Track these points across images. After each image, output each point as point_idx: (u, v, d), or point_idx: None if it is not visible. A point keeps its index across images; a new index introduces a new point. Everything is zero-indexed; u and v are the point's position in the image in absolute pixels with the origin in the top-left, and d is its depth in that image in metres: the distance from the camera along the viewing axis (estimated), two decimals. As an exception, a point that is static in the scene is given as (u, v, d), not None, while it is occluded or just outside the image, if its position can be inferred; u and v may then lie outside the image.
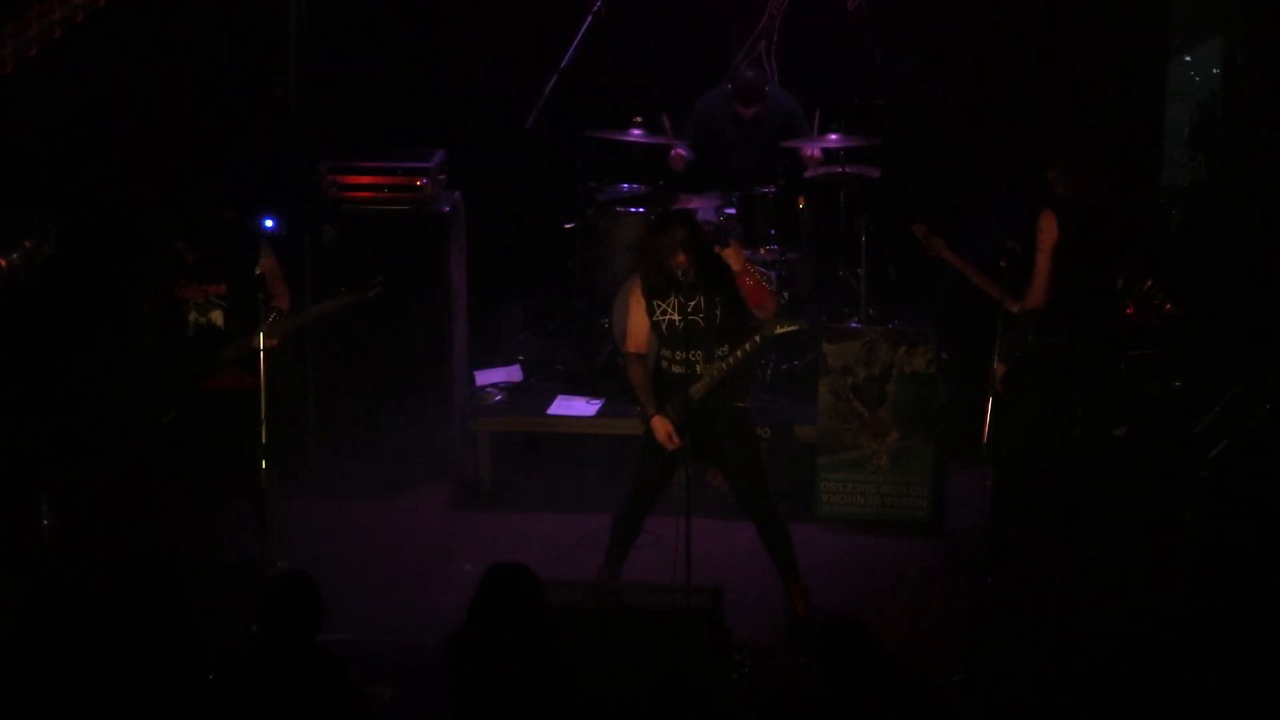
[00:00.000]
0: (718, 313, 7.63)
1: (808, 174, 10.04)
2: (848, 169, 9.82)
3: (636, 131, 9.91)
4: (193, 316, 8.17)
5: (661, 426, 7.63)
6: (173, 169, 9.33)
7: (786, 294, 9.65)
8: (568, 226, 10.13)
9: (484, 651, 5.69)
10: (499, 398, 9.71)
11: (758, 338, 7.57)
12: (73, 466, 8.89)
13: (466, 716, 5.71)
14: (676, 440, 7.61)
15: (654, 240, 7.70)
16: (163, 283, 8.14)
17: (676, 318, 7.62)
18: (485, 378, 9.84)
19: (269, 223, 8.61)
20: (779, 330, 7.59)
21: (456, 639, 5.77)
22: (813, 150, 10.06)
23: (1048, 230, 7.90)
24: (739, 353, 7.59)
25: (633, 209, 9.86)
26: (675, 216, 7.71)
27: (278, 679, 5.67)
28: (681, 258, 7.50)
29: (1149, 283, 8.83)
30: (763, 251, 9.62)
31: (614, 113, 10.04)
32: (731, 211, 9.74)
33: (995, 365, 8.11)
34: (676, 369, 7.68)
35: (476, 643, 5.72)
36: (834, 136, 9.82)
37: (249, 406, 7.85)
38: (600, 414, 9.51)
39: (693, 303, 7.62)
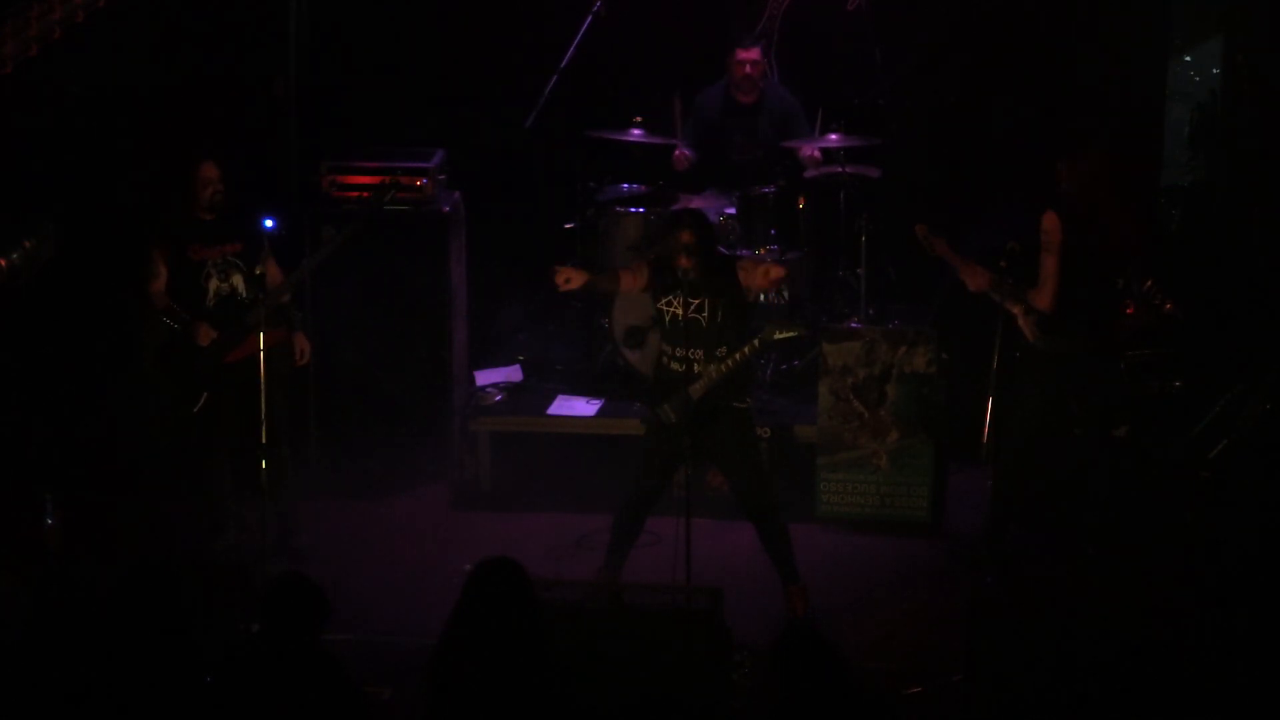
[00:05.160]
0: (719, 314, 7.63)
1: (807, 174, 10.04)
2: (848, 169, 9.81)
3: (636, 131, 9.91)
4: (214, 284, 8.16)
5: (563, 273, 7.72)
6: (172, 169, 9.34)
7: (787, 294, 9.65)
8: (568, 226, 10.13)
9: (472, 647, 5.68)
10: (499, 398, 9.70)
11: (756, 341, 7.58)
12: (78, 465, 8.90)
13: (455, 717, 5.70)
14: (575, 281, 7.70)
15: (664, 237, 7.72)
16: (177, 246, 8.13)
17: (679, 313, 7.63)
18: (485, 378, 9.83)
19: (269, 223, 8.61)
20: (778, 335, 7.59)
21: (445, 636, 5.77)
22: (811, 151, 10.06)
23: (1052, 231, 7.89)
24: (737, 355, 7.60)
25: (633, 209, 9.85)
26: (684, 218, 7.70)
27: (278, 680, 5.66)
28: (684, 261, 7.50)
29: (1149, 283, 8.83)
30: (762, 251, 9.62)
31: (614, 113, 10.04)
32: (731, 211, 9.74)
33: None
34: (676, 366, 7.69)
35: (464, 638, 5.71)
36: (834, 136, 9.82)
37: (277, 359, 7.97)
38: (600, 414, 9.51)
39: (695, 301, 7.62)
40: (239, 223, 8.25)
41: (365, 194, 9.28)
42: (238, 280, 8.21)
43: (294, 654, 5.69)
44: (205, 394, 8.14)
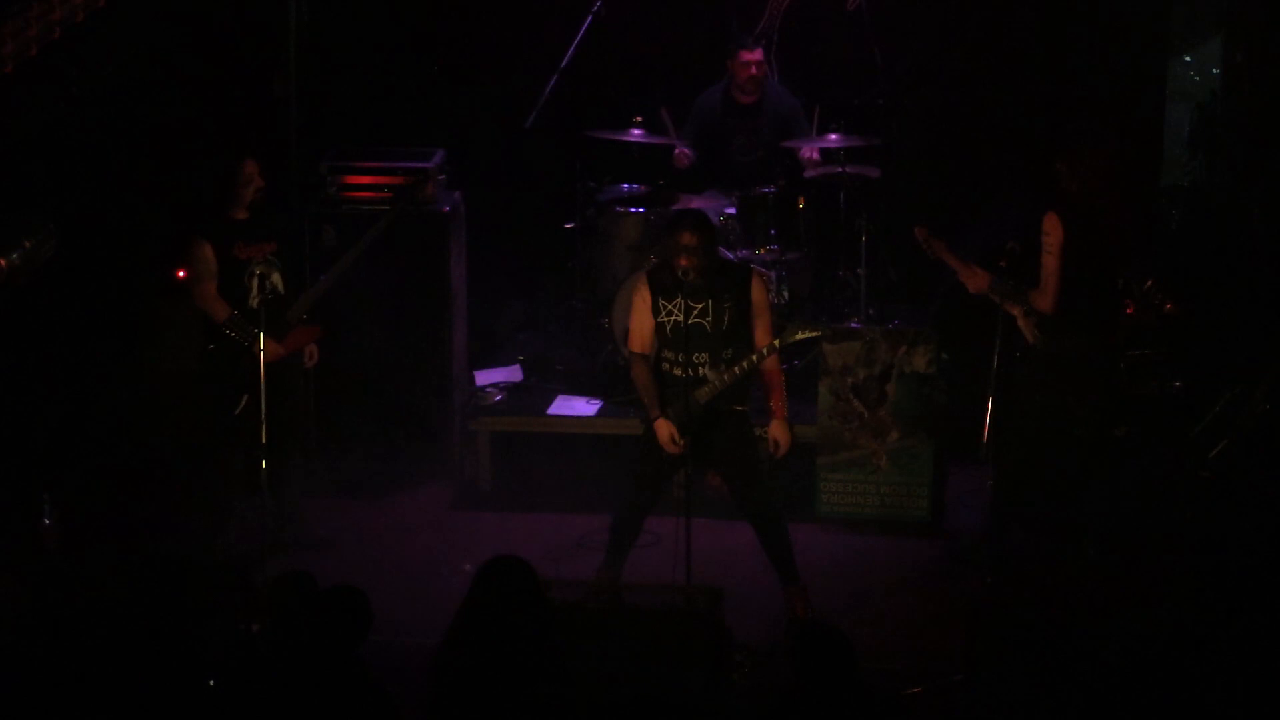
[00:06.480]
0: (725, 317, 7.59)
1: (807, 174, 10.05)
2: (848, 169, 9.81)
3: (636, 131, 9.92)
4: (257, 283, 8.20)
5: (664, 430, 7.60)
6: (172, 170, 9.35)
7: (787, 294, 9.66)
8: (568, 226, 10.14)
9: (479, 645, 5.69)
10: (499, 398, 9.71)
11: (776, 342, 7.53)
12: (77, 466, 8.90)
13: (459, 715, 5.70)
14: (680, 442, 7.58)
15: (664, 239, 7.69)
16: (224, 245, 8.17)
17: (681, 318, 7.59)
18: (485, 378, 9.84)
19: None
20: (799, 336, 7.55)
21: (452, 634, 5.77)
22: (810, 152, 10.07)
23: (1053, 232, 7.88)
24: (751, 358, 7.55)
25: (633, 209, 9.86)
26: (685, 219, 7.63)
27: (319, 688, 5.64)
28: (684, 261, 7.47)
29: (1149, 283, 8.84)
30: (762, 252, 9.62)
31: (614, 113, 10.04)
32: (731, 211, 9.75)
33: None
34: (678, 371, 7.65)
35: (472, 636, 5.71)
36: (834, 136, 9.83)
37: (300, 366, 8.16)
38: (600, 414, 9.51)
39: (699, 305, 7.59)
40: (271, 221, 8.33)
41: (382, 193, 9.34)
42: (277, 279, 8.28)
43: (336, 663, 5.67)
44: (245, 396, 8.17)
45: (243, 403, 8.16)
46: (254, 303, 8.16)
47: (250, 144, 8.43)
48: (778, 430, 7.66)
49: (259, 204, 8.27)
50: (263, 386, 7.84)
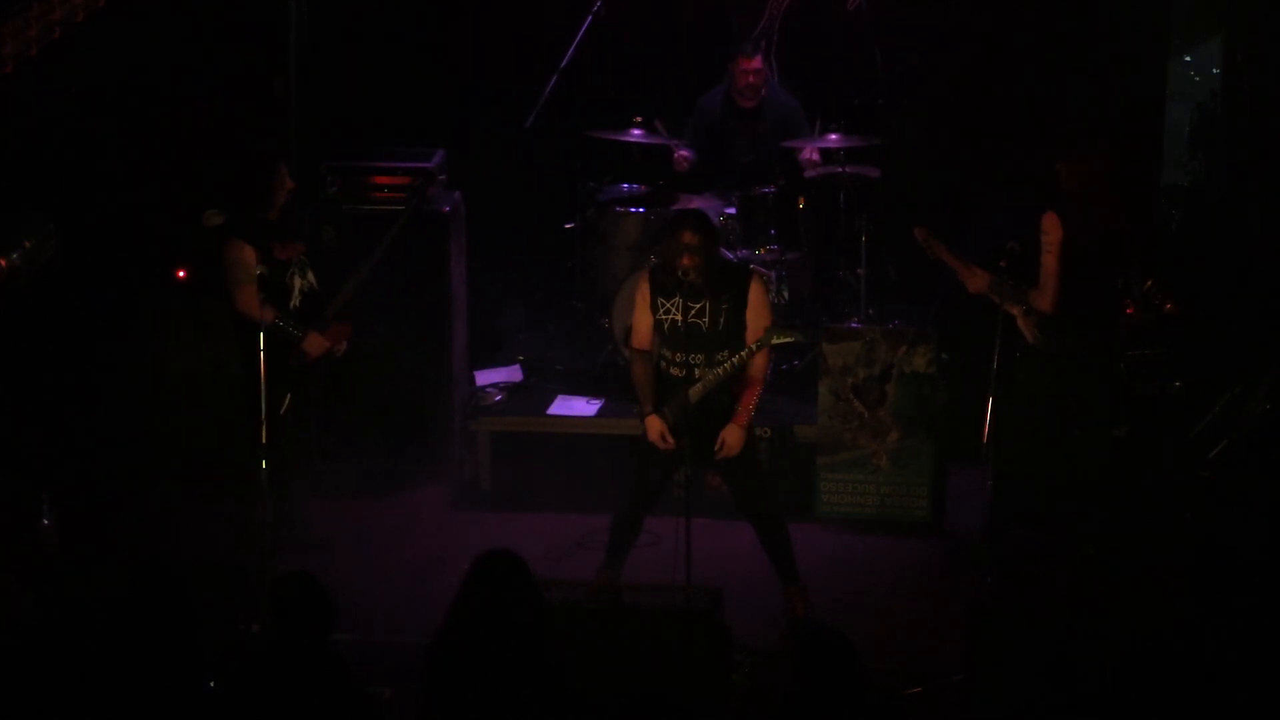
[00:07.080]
0: (722, 318, 7.59)
1: (807, 174, 10.05)
2: (847, 169, 9.81)
3: (636, 131, 9.92)
4: (297, 283, 8.29)
5: (655, 426, 7.62)
6: (172, 169, 9.35)
7: (787, 294, 9.66)
8: (568, 226, 10.14)
9: (473, 640, 5.68)
10: (499, 398, 9.70)
11: (755, 345, 7.56)
12: (77, 466, 8.91)
13: (455, 713, 5.70)
14: (670, 440, 7.60)
15: (665, 238, 7.70)
16: (264, 247, 8.21)
17: (679, 318, 7.60)
18: (485, 378, 9.83)
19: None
20: (776, 339, 7.57)
21: (446, 629, 5.77)
22: (810, 153, 10.07)
23: (1053, 231, 7.88)
24: (736, 359, 7.57)
25: (633, 209, 9.86)
26: (686, 219, 7.64)
27: (285, 682, 5.65)
28: (685, 261, 7.47)
29: (1149, 283, 8.83)
30: (762, 252, 9.62)
31: (614, 113, 10.04)
32: (731, 211, 9.75)
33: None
34: (675, 370, 7.66)
35: (466, 630, 5.70)
36: (834, 136, 9.82)
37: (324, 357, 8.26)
38: (600, 414, 9.51)
39: (697, 305, 7.59)
40: (298, 223, 8.41)
41: (383, 192, 9.37)
42: (312, 277, 8.37)
43: (302, 656, 5.68)
44: (289, 395, 8.19)
45: (286, 402, 8.20)
46: (295, 302, 8.26)
47: (271, 146, 8.45)
48: (730, 433, 7.64)
49: (288, 206, 8.31)
50: (262, 387, 7.83)
